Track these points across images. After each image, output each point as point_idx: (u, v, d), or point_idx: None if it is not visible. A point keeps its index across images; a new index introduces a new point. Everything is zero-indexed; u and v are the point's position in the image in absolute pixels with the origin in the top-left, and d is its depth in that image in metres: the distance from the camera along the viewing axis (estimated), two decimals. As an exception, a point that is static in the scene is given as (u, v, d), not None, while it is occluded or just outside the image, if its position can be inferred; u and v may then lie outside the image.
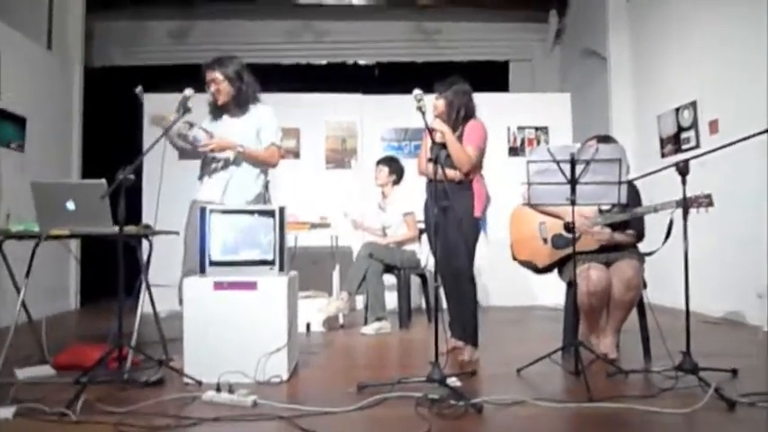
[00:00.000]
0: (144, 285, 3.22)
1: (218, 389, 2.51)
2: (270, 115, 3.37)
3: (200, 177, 3.39)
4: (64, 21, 6.25)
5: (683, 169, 2.74)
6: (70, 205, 2.94)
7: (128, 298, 2.83)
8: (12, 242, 3.17)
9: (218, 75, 3.25)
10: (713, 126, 4.88)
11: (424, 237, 4.86)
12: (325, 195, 5.76)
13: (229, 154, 3.27)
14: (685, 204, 2.75)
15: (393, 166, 4.93)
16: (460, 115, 3.38)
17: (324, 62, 8.35)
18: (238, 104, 3.31)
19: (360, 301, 5.19)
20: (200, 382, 2.76)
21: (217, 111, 3.36)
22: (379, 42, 8.24)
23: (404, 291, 4.74)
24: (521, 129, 6.21)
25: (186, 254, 3.23)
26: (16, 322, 3.14)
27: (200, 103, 3.24)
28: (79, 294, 6.21)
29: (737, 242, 4.46)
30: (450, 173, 3.27)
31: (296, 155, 6.13)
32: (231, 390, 2.48)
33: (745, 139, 2.78)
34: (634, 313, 3.33)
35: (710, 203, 2.85)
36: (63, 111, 6.10)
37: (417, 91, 2.95)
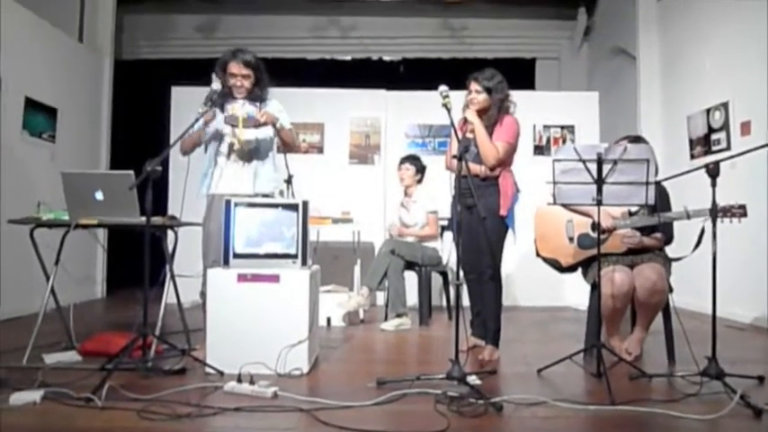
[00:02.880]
0: (169, 276, 3.27)
1: (240, 379, 2.54)
2: (281, 106, 3.40)
3: (209, 172, 3.32)
4: (95, 14, 6.36)
5: (713, 171, 2.68)
6: (99, 195, 3.01)
7: (153, 288, 2.87)
8: (42, 230, 3.25)
9: (245, 69, 3.23)
10: (745, 128, 4.78)
11: (447, 234, 4.86)
12: (348, 191, 5.77)
13: (256, 134, 3.28)
14: (714, 214, 2.68)
15: (418, 165, 4.93)
16: (501, 109, 3.32)
17: (349, 58, 8.36)
18: (256, 98, 3.29)
19: (380, 296, 5.20)
20: (221, 373, 2.80)
21: (225, 103, 3.25)
22: (404, 38, 8.22)
23: (425, 287, 4.73)
24: (546, 127, 6.13)
25: (209, 247, 3.26)
26: (45, 308, 3.21)
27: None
28: (105, 283, 6.33)
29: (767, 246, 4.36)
30: (476, 168, 3.25)
31: (320, 150, 6.15)
32: (252, 381, 2.51)
33: (778, 141, 2.72)
34: (659, 316, 3.28)
35: (744, 214, 2.79)
36: (93, 102, 6.21)
37: (443, 87, 2.93)
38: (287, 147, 3.47)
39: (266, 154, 3.38)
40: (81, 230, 3.17)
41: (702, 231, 2.76)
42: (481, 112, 3.32)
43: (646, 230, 3.26)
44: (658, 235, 3.26)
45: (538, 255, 3.58)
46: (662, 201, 3.25)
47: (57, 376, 2.65)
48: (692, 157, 5.47)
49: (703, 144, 5.35)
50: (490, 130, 3.29)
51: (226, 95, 3.23)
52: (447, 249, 4.69)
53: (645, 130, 6.04)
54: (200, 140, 3.29)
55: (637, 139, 3.29)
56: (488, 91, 3.30)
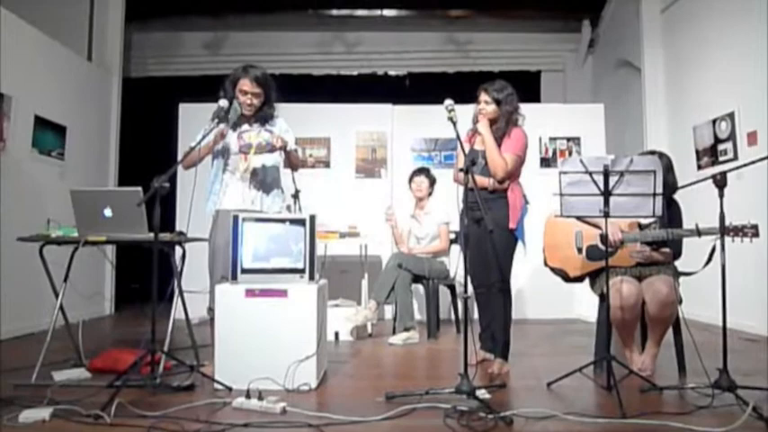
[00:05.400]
0: (177, 291, 3.28)
1: (248, 395, 2.53)
2: (286, 125, 3.41)
3: (215, 188, 3.31)
4: (104, 32, 6.45)
5: (720, 182, 2.67)
6: (107, 212, 3.04)
7: (161, 304, 2.88)
8: (51, 247, 3.27)
9: (257, 87, 3.23)
10: (751, 138, 4.76)
11: (455, 247, 4.86)
12: (355, 205, 5.78)
13: (263, 160, 3.30)
14: (722, 229, 2.67)
15: (431, 177, 4.96)
16: (509, 121, 3.32)
17: (355, 73, 8.41)
18: (264, 116, 3.31)
19: (388, 310, 5.19)
20: (230, 388, 2.80)
21: (235, 120, 3.25)
22: (409, 53, 8.27)
23: (432, 301, 4.72)
24: (552, 140, 6.14)
25: (215, 262, 3.26)
26: (54, 325, 3.23)
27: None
28: (114, 299, 6.34)
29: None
30: (484, 181, 3.25)
31: (326, 164, 6.18)
32: (261, 396, 2.51)
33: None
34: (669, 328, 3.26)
35: (756, 234, 2.77)
36: (101, 120, 6.27)
37: (448, 101, 2.94)
38: (293, 168, 3.45)
39: (273, 181, 3.37)
40: (90, 247, 3.19)
41: (713, 249, 2.73)
42: (490, 124, 3.33)
43: (655, 244, 3.24)
44: (667, 250, 3.24)
45: (546, 264, 3.56)
46: (675, 216, 3.24)
47: (66, 393, 2.66)
48: (699, 167, 5.46)
49: (710, 155, 5.33)
50: (498, 142, 3.29)
51: (234, 111, 3.23)
52: (455, 262, 4.69)
53: (651, 142, 6.04)
54: (203, 157, 3.27)
55: (661, 156, 3.25)
56: (497, 102, 3.31)
